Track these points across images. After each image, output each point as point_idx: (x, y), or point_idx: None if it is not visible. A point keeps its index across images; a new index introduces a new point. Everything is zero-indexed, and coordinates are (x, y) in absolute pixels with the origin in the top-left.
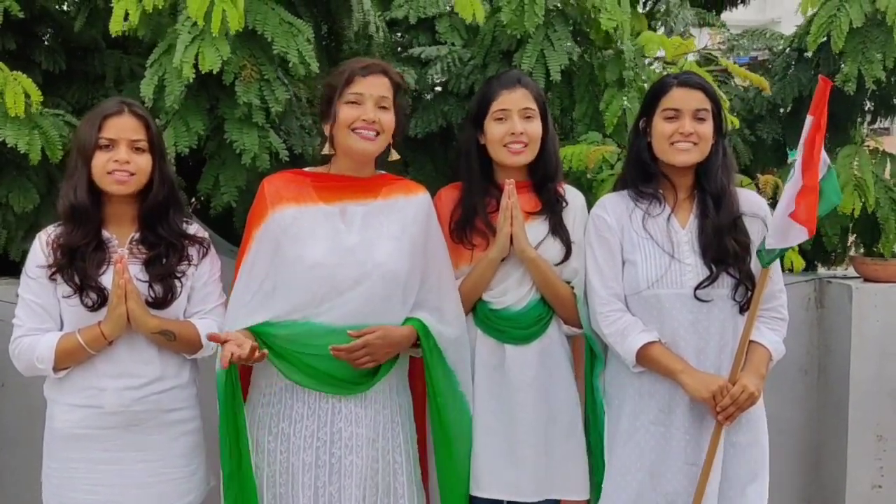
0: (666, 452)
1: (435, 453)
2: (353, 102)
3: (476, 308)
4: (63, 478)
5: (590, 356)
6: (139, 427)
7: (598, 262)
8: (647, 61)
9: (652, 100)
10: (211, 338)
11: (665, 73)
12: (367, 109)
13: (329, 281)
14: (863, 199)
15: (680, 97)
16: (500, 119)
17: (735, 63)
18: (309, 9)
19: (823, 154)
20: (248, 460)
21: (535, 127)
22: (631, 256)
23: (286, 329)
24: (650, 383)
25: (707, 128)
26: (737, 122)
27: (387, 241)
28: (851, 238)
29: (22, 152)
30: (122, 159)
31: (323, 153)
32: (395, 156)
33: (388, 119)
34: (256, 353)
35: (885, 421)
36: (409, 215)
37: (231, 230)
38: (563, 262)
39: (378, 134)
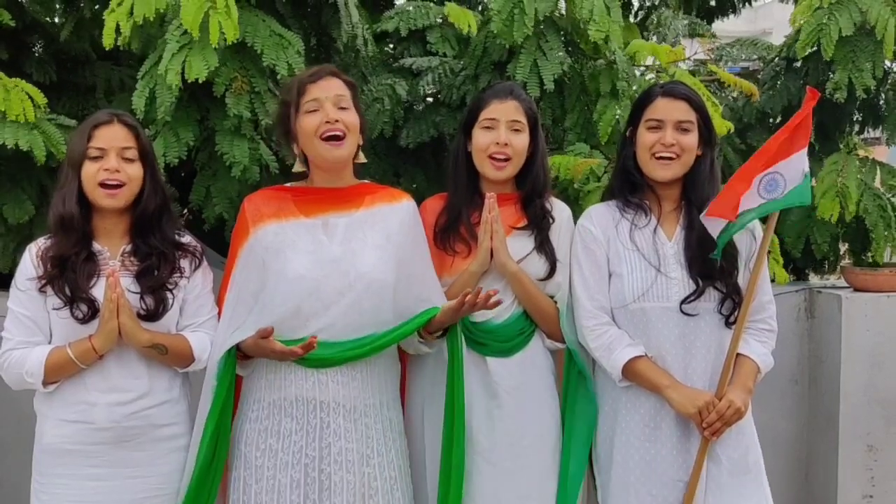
0: (655, 468)
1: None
2: (312, 111)
3: None
4: (51, 494)
5: (570, 369)
6: (130, 443)
7: (584, 275)
8: (639, 71)
9: (637, 109)
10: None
11: (657, 81)
12: (328, 110)
13: (314, 294)
14: (843, 206)
15: (663, 108)
16: (488, 128)
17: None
18: (299, 21)
19: (805, 161)
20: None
21: (521, 140)
22: (617, 269)
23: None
24: (636, 398)
25: (690, 139)
26: (730, 126)
27: (371, 251)
28: (844, 247)
29: (25, 150)
30: (112, 168)
31: (295, 171)
32: (361, 158)
33: (351, 117)
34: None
35: (876, 431)
36: (393, 223)
37: (223, 243)
38: (547, 278)
39: (345, 134)
